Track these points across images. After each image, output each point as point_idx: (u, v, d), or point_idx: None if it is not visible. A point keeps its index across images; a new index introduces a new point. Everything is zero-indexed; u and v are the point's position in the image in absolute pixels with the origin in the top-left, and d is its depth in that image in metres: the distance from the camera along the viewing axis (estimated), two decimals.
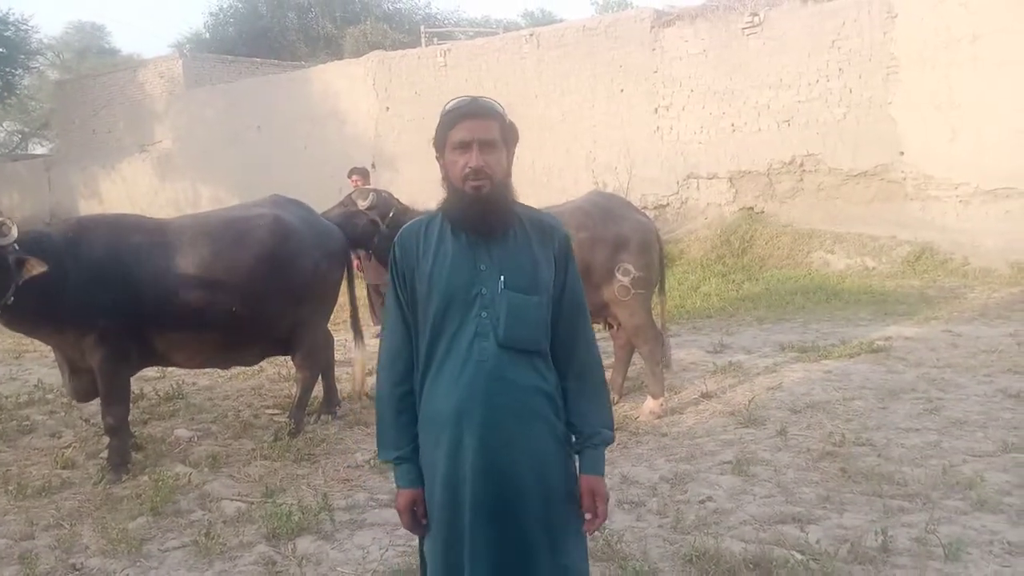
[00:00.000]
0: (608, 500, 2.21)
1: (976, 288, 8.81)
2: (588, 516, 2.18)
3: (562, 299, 2.18)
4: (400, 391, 2.19)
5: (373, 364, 7.38)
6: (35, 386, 6.92)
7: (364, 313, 9.03)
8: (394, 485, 4.35)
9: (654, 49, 11.70)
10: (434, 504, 2.13)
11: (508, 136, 2.15)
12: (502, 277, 2.10)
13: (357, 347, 5.82)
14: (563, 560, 2.13)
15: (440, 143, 2.15)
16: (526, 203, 2.28)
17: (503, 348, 2.08)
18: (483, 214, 2.10)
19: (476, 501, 2.07)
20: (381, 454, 2.25)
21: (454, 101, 2.14)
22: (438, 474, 2.11)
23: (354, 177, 9.05)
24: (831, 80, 10.47)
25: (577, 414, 2.19)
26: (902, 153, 10.14)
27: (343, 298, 5.86)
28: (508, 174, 2.16)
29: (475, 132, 2.07)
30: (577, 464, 2.22)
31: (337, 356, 6.07)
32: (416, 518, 2.19)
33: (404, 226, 2.25)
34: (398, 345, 2.20)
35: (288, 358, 5.87)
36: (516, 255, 2.13)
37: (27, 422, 5.99)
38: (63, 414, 6.20)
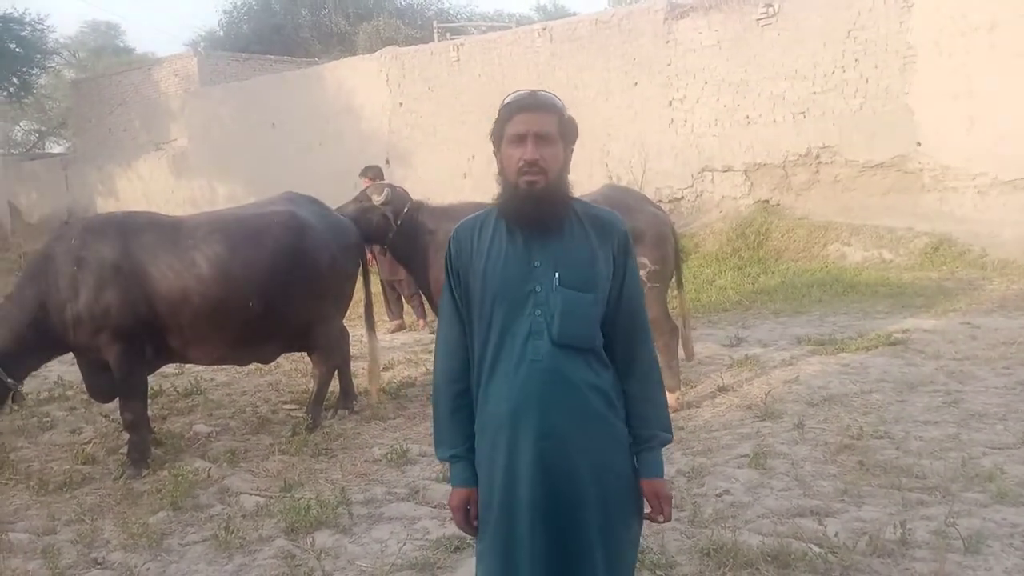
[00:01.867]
0: (671, 500, 2.18)
1: (995, 280, 8.72)
2: (659, 519, 2.17)
3: (621, 297, 2.13)
4: (456, 389, 2.17)
5: (389, 359, 7.42)
6: (55, 383, 6.99)
7: (380, 309, 9.08)
8: (410, 479, 4.39)
9: (668, 41, 11.64)
10: (492, 505, 2.11)
11: (567, 131, 2.10)
12: (556, 274, 2.05)
13: (371, 343, 5.84)
14: (617, 560, 2.11)
15: (497, 137, 2.12)
16: None
17: (557, 346, 2.04)
18: (537, 210, 2.05)
19: (534, 503, 2.04)
20: (437, 452, 2.23)
21: (513, 94, 2.11)
22: (496, 476, 2.09)
23: (365, 180, 8.98)
24: (847, 71, 10.37)
25: (637, 417, 2.15)
26: (919, 144, 10.03)
27: (359, 294, 5.89)
28: (565, 171, 2.11)
29: (531, 125, 2.03)
30: (636, 466, 2.19)
31: (353, 351, 6.09)
32: (468, 518, 2.17)
33: (460, 222, 2.21)
34: (453, 342, 2.17)
35: (305, 354, 5.90)
36: (572, 251, 2.08)
37: (47, 418, 6.06)
38: (83, 410, 6.26)
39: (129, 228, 4.90)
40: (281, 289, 5.07)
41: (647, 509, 2.19)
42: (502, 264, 2.08)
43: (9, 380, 4.72)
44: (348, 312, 5.94)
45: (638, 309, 2.17)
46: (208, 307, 4.85)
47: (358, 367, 6.16)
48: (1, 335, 4.69)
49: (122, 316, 4.69)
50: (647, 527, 3.57)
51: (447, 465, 2.26)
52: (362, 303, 5.98)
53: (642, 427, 2.15)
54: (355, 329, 6.47)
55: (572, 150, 2.14)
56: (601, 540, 2.07)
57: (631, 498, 2.15)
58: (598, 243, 2.11)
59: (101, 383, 4.95)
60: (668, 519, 2.17)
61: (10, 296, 4.83)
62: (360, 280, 5.82)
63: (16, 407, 5.49)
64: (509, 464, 2.07)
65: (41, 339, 4.75)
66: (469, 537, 2.38)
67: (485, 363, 2.11)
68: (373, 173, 9.14)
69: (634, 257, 2.18)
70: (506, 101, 2.10)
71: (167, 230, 4.97)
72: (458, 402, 2.17)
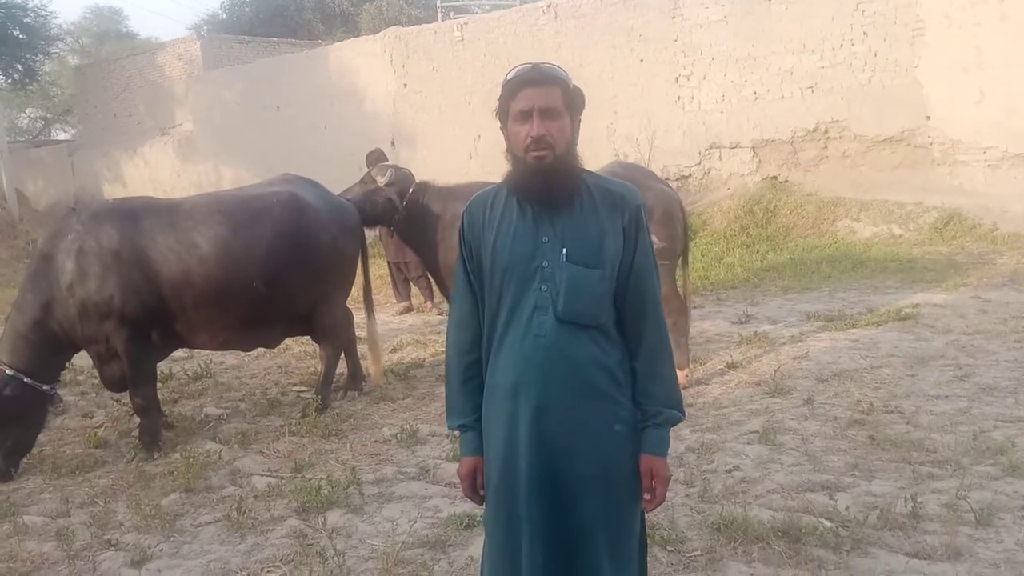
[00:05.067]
0: (668, 481, 2.15)
1: (1005, 253, 8.66)
2: (647, 496, 2.13)
3: (630, 273, 2.09)
4: (467, 360, 2.19)
5: (397, 340, 7.40)
6: (66, 368, 7.01)
7: (387, 291, 9.09)
8: (420, 459, 4.40)
9: (674, 17, 11.53)
10: (492, 476, 2.14)
11: (573, 102, 2.07)
12: (564, 249, 2.04)
13: (370, 326, 5.82)
14: (620, 539, 2.10)
15: (502, 113, 2.10)
16: None
17: (562, 322, 2.04)
18: (546, 185, 2.03)
19: (530, 475, 2.05)
20: (448, 421, 2.27)
21: (516, 69, 2.07)
22: (495, 447, 2.11)
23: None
24: (855, 44, 10.26)
25: (644, 393, 2.12)
26: (928, 117, 9.94)
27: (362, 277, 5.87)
28: (573, 142, 2.08)
29: (536, 100, 2.00)
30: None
31: (357, 334, 6.10)
32: (476, 486, 2.20)
33: (473, 197, 2.22)
34: (465, 314, 2.19)
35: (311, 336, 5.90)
36: (581, 226, 2.06)
37: (60, 403, 6.09)
38: (95, 395, 6.30)
39: (126, 214, 4.89)
40: (283, 270, 5.06)
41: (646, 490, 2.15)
42: (511, 239, 2.08)
43: (44, 387, 4.78)
44: (352, 294, 5.93)
45: (648, 286, 2.13)
46: (211, 289, 4.86)
47: (363, 350, 6.16)
48: (20, 344, 4.72)
49: (126, 302, 4.70)
50: None
51: (456, 443, 2.27)
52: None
53: (648, 403, 2.12)
54: (360, 313, 6.48)
55: (580, 120, 2.11)
56: (603, 517, 2.07)
57: (634, 477, 2.13)
58: (608, 217, 2.08)
59: (113, 373, 4.97)
60: (660, 501, 2.13)
61: (16, 303, 4.86)
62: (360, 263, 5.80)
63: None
64: (509, 436, 2.08)
65: (55, 338, 4.79)
66: (479, 515, 2.39)
67: (494, 336, 2.13)
68: (377, 156, 9.11)
69: (647, 233, 2.14)
70: (509, 76, 2.07)
71: (165, 213, 4.96)
72: (468, 373, 2.20)
